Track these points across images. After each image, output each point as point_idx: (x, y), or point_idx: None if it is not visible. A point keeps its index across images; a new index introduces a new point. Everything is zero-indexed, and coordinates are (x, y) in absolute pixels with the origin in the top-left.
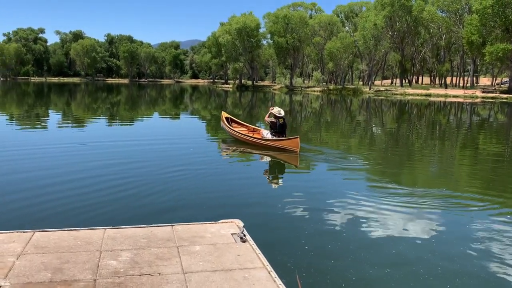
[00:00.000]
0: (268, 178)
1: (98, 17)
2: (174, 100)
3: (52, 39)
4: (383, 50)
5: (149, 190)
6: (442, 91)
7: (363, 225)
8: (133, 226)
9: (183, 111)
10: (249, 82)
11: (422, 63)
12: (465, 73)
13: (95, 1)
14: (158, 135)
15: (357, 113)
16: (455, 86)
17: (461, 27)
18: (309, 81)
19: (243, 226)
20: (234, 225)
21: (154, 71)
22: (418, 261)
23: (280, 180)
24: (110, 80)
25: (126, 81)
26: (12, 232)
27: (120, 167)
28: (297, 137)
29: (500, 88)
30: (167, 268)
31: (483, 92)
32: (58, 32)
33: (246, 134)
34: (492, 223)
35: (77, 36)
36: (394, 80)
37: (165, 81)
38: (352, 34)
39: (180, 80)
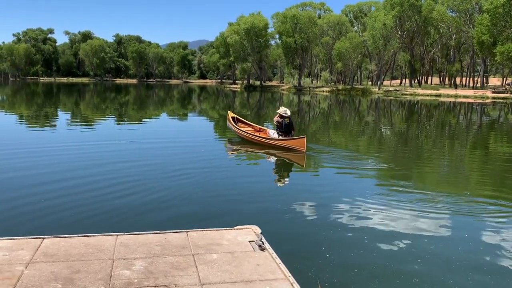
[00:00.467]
0: (277, 180)
1: (107, 18)
2: (182, 100)
3: (61, 39)
4: (392, 50)
5: (160, 193)
6: (452, 91)
7: (384, 231)
8: (146, 232)
9: (191, 111)
10: (257, 82)
11: (431, 63)
12: (475, 73)
13: (104, 1)
14: (168, 136)
15: (366, 113)
16: (465, 86)
17: (471, 27)
18: (317, 81)
19: (261, 233)
20: (251, 232)
21: (162, 71)
22: (447, 272)
23: (290, 182)
24: (118, 80)
25: (134, 81)
26: (20, 239)
27: (131, 170)
28: (304, 137)
29: (511, 89)
30: (183, 279)
31: (494, 92)
32: (67, 33)
33: (253, 133)
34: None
35: (86, 36)
36: (403, 80)
37: (173, 81)
38: (361, 34)
39: (188, 80)
